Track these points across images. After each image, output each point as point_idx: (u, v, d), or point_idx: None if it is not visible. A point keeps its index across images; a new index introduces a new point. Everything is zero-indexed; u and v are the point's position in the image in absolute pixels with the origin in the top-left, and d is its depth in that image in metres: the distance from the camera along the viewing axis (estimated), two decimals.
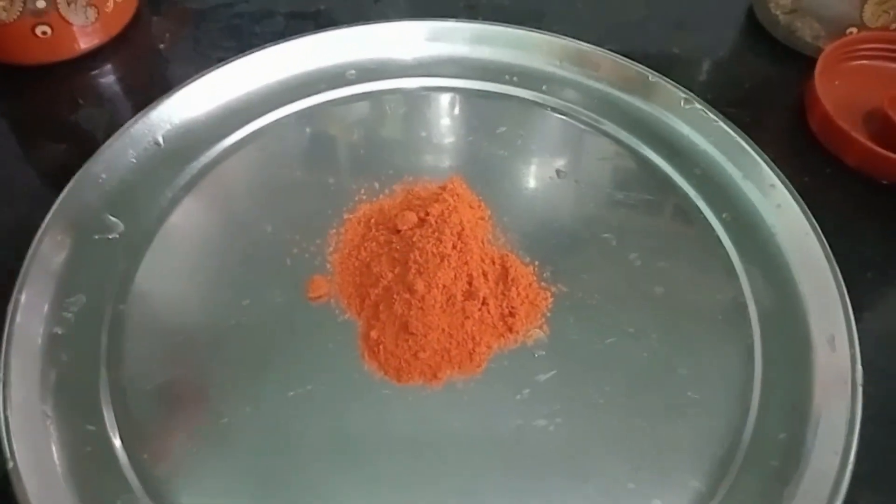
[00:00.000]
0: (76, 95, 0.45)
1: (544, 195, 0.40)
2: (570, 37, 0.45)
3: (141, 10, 0.49)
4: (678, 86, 0.42)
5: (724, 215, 0.39)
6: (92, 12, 0.45)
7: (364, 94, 0.44)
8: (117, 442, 0.31)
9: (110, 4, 0.46)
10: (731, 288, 0.36)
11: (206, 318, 0.35)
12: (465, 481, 0.30)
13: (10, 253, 0.35)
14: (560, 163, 0.41)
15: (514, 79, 0.45)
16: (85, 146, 0.41)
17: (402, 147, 0.42)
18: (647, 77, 0.43)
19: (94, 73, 0.46)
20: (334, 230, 0.38)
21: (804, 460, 0.31)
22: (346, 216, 0.39)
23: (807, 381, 0.33)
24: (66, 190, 0.37)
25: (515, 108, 0.43)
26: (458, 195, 0.37)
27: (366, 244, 0.37)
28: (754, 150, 0.40)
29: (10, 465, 0.28)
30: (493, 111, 0.43)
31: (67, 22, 0.44)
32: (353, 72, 0.44)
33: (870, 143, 0.41)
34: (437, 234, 0.35)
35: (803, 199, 0.38)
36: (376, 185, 0.40)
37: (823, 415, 0.32)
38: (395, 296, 0.34)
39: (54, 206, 0.36)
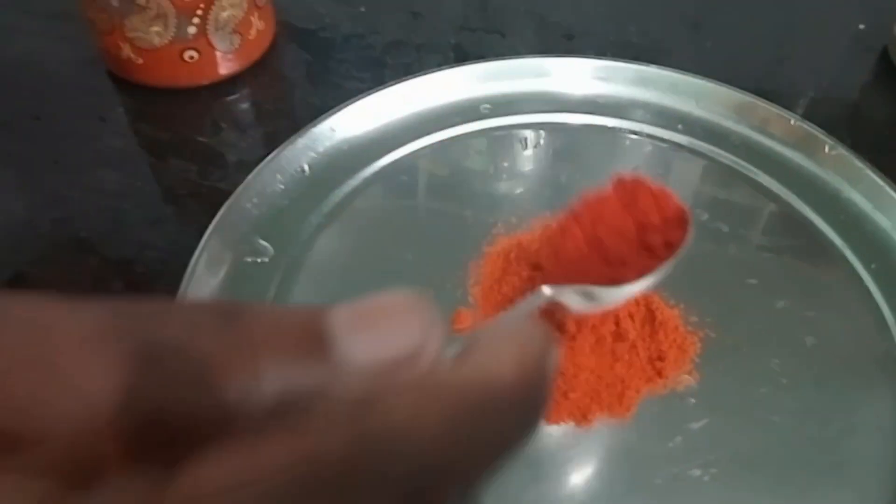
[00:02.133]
0: (216, 119, 0.46)
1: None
2: (696, 73, 0.45)
3: (277, 39, 0.51)
4: (822, 130, 0.42)
5: (872, 265, 0.38)
6: (237, 39, 0.46)
7: (498, 127, 0.44)
8: None
9: (253, 32, 0.47)
10: (884, 340, 0.36)
11: None
12: None
13: (163, 275, 0.36)
14: (701, 204, 0.41)
15: (649, 117, 0.45)
16: (224, 169, 0.43)
17: (538, 182, 0.42)
18: (790, 121, 0.42)
19: (232, 98, 0.48)
20: (474, 263, 0.38)
21: None
22: (485, 249, 0.39)
23: None
24: (220, 213, 0.38)
25: (654, 150, 0.43)
26: None
27: (507, 278, 0.37)
28: None
29: None
30: (632, 152, 0.43)
31: (213, 47, 0.46)
32: (487, 106, 0.45)
33: None
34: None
35: None
36: (513, 219, 0.40)
37: None
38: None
39: (210, 228, 0.37)
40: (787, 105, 0.44)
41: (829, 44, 0.53)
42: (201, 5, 0.43)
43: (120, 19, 0.43)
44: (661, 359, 0.34)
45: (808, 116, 0.43)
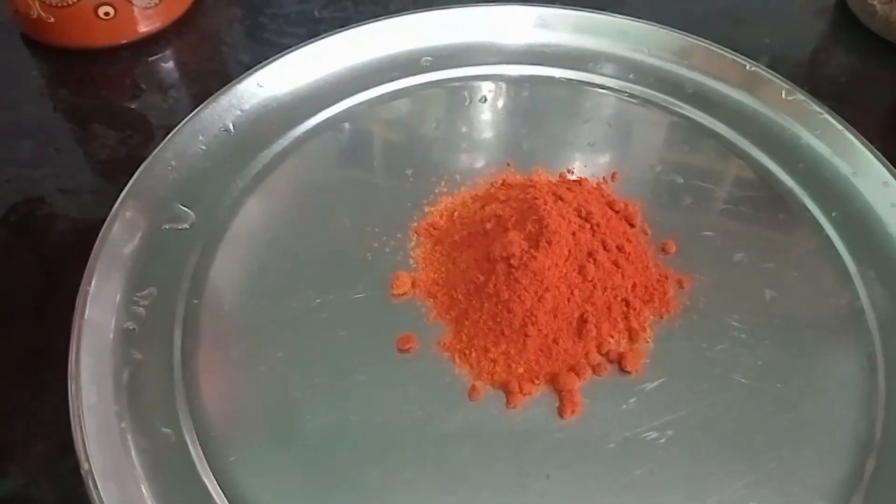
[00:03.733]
0: (138, 81, 0.43)
1: (639, 191, 0.37)
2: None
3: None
4: (780, 76, 0.40)
5: (833, 214, 0.36)
6: None
7: (440, 81, 0.42)
8: (195, 446, 0.28)
9: None
10: (847, 292, 0.34)
11: (285, 314, 0.32)
12: (569, 496, 0.28)
13: (75, 245, 0.33)
14: (654, 155, 0.38)
15: (600, 67, 0.42)
16: (147, 133, 0.40)
17: (482, 138, 0.40)
18: (745, 66, 0.40)
19: (154, 58, 0.45)
20: (415, 223, 0.36)
21: None
22: (426, 209, 0.36)
23: None
24: (134, 177, 0.35)
25: (602, 99, 0.41)
26: (549, 187, 0.34)
27: (450, 239, 0.35)
28: (864, 144, 0.37)
29: (86, 466, 0.26)
30: (577, 101, 0.41)
31: (131, 2, 0.42)
32: (428, 58, 0.42)
33: None
34: (549, 234, 0.32)
35: None
36: (457, 177, 0.38)
37: None
38: (486, 299, 0.31)
39: (123, 194, 0.34)
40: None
41: None
42: None
43: None
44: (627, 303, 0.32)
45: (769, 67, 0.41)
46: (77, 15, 0.42)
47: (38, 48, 0.45)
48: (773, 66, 0.41)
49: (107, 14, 0.42)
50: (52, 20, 0.42)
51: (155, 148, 0.36)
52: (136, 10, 0.43)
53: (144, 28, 0.44)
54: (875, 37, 0.46)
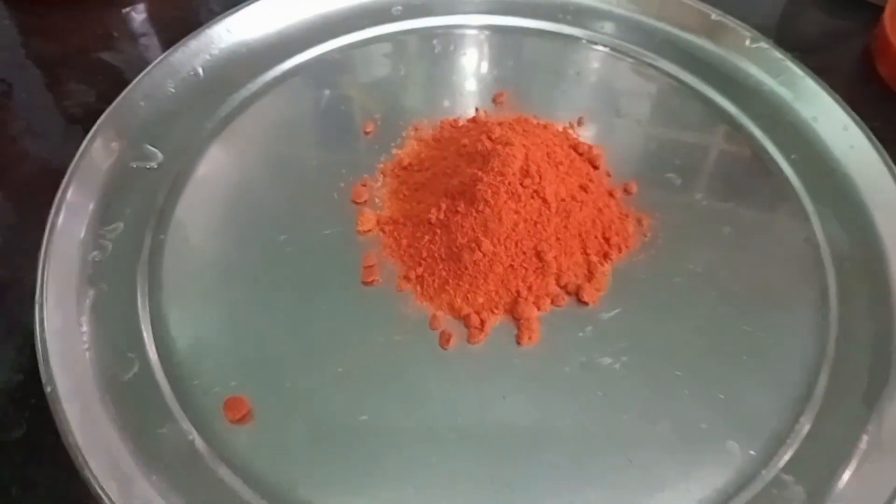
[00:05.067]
0: (110, 30, 0.43)
1: (604, 135, 0.38)
2: None
3: None
4: (744, 25, 0.40)
5: (792, 156, 0.37)
6: None
7: (410, 30, 0.42)
8: (158, 369, 0.29)
9: None
10: (803, 229, 0.35)
11: (249, 250, 0.33)
12: (531, 417, 0.29)
13: (46, 179, 0.34)
14: (620, 102, 0.39)
15: (569, 17, 0.43)
16: (118, 80, 0.40)
17: (450, 84, 0.40)
18: (710, 16, 0.41)
19: (127, 9, 0.45)
20: (382, 164, 0.36)
21: (886, 402, 0.29)
22: (394, 151, 0.37)
23: (888, 322, 0.31)
24: (103, 116, 0.35)
25: (571, 47, 0.41)
26: (509, 126, 0.35)
27: (413, 179, 0.35)
28: (826, 90, 0.38)
29: (49, 389, 0.27)
30: (546, 49, 0.41)
31: None
32: (399, 7, 0.43)
33: None
34: (500, 171, 0.32)
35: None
36: (425, 121, 0.38)
37: None
38: (441, 231, 0.32)
39: (91, 131, 0.34)
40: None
41: None
42: None
43: None
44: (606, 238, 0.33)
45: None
46: None
47: None
48: (743, 18, 0.42)
49: None
50: None
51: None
52: None
53: None
54: None
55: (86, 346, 0.29)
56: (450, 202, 0.32)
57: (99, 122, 0.35)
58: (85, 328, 0.30)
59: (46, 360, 0.28)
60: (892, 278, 0.32)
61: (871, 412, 0.29)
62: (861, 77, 0.43)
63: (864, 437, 0.28)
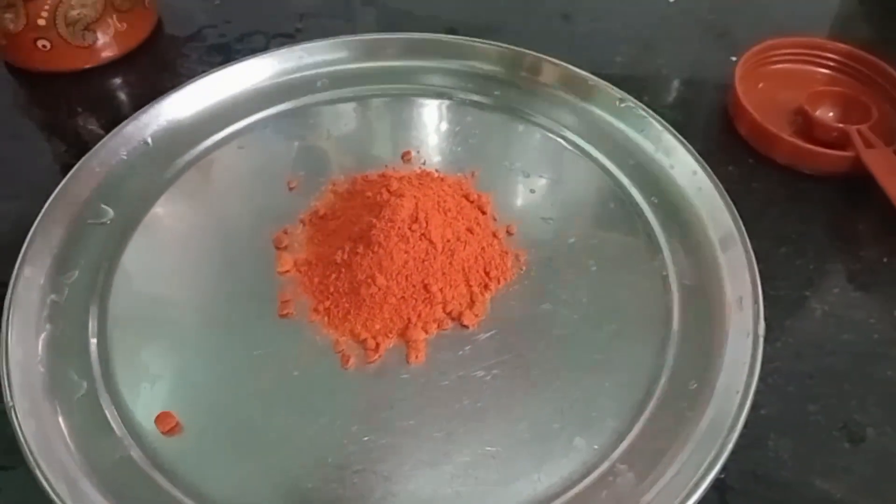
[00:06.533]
0: (74, 103, 0.50)
1: (493, 185, 0.44)
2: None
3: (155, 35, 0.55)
4: (614, 87, 0.47)
5: (652, 199, 0.43)
6: (91, 36, 0.50)
7: (332, 100, 0.49)
8: (102, 392, 0.35)
9: (111, 31, 0.51)
10: (656, 260, 0.41)
11: (184, 290, 0.39)
12: (413, 421, 0.34)
13: (15, 236, 0.40)
14: (509, 156, 0.46)
15: (469, 85, 0.49)
16: (81, 147, 0.46)
17: (364, 145, 0.47)
18: (587, 81, 0.48)
19: (92, 83, 0.51)
20: (302, 215, 0.42)
21: (710, 402, 0.35)
22: (312, 203, 0.43)
23: (717, 337, 0.37)
24: (64, 181, 0.42)
25: (467, 111, 0.48)
26: (408, 180, 0.42)
27: (326, 227, 0.42)
28: (680, 141, 0.44)
29: (10, 403, 0.33)
30: (447, 113, 0.48)
31: (65, 40, 0.49)
32: (325, 80, 0.49)
33: (797, 140, 0.45)
34: (390, 218, 0.38)
35: (728, 187, 0.42)
36: (342, 177, 0.44)
37: (729, 363, 0.36)
38: (343, 270, 0.38)
39: (53, 194, 0.41)
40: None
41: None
42: (48, 2, 0.47)
43: None
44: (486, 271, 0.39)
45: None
46: (19, 43, 0.49)
47: (8, 70, 0.52)
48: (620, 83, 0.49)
49: (44, 46, 0.49)
50: (5, 42, 0.50)
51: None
52: (72, 46, 0.50)
53: (82, 63, 0.51)
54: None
55: (42, 371, 0.35)
56: (352, 245, 0.39)
57: (59, 186, 0.41)
58: (42, 357, 0.36)
59: (9, 384, 0.34)
60: (726, 301, 0.38)
61: (694, 412, 0.34)
62: (721, 128, 0.49)
63: (686, 433, 0.34)
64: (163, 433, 0.34)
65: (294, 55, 0.49)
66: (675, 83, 0.53)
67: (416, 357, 0.36)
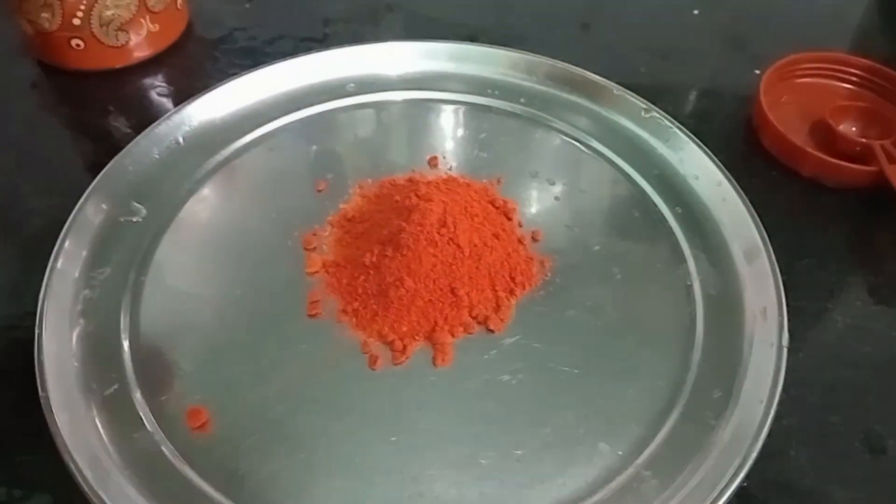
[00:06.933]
0: (105, 102, 0.51)
1: (519, 192, 0.45)
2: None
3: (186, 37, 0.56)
4: (639, 97, 0.48)
5: (676, 209, 0.44)
6: (123, 36, 0.51)
7: (361, 104, 0.50)
8: (133, 386, 0.36)
9: (144, 31, 0.52)
10: (680, 269, 0.41)
11: (215, 288, 0.40)
12: (440, 423, 0.35)
13: (50, 232, 0.40)
14: (535, 164, 0.46)
15: (496, 92, 0.50)
16: (112, 146, 0.47)
17: (392, 150, 0.48)
18: (613, 90, 0.48)
19: (126, 83, 0.52)
20: (331, 217, 0.43)
21: (734, 411, 0.35)
22: (341, 206, 0.44)
23: (740, 346, 0.37)
24: (97, 178, 0.42)
25: (496, 117, 0.49)
26: (435, 185, 0.42)
27: (355, 229, 0.42)
28: (705, 152, 0.45)
29: (45, 395, 0.33)
30: (476, 120, 0.49)
31: (98, 40, 0.50)
32: (352, 85, 0.50)
33: (822, 154, 0.46)
34: (419, 222, 0.39)
35: (752, 198, 0.42)
36: (369, 181, 0.45)
37: (753, 373, 0.36)
38: (372, 272, 0.39)
39: (87, 191, 0.41)
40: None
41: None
42: (84, 1, 0.48)
43: (18, 2, 0.48)
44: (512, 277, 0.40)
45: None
46: (53, 42, 0.50)
47: (42, 69, 0.53)
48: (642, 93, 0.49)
49: (78, 45, 0.50)
50: (39, 41, 0.51)
51: None
52: (105, 46, 0.51)
53: (116, 62, 0.52)
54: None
55: (76, 366, 0.36)
56: (381, 248, 0.39)
57: (93, 184, 0.42)
58: (75, 351, 0.36)
59: (43, 377, 0.34)
60: (747, 310, 0.39)
61: (718, 420, 0.35)
62: (746, 140, 0.50)
63: (710, 441, 0.34)
64: (193, 429, 0.34)
65: (323, 60, 0.50)
66: (697, 94, 0.54)
67: (443, 360, 0.37)
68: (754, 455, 0.33)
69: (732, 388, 0.36)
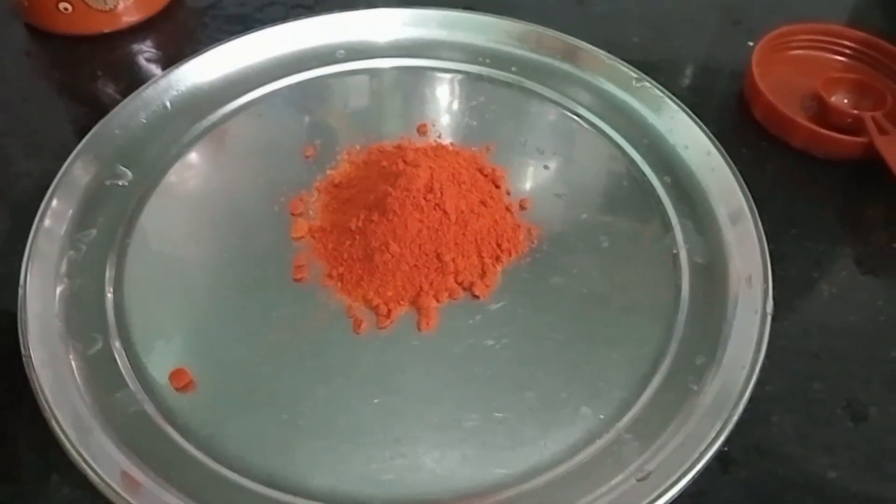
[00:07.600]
0: (94, 67, 0.50)
1: (508, 160, 0.44)
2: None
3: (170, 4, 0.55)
4: (631, 66, 0.47)
5: (665, 178, 0.44)
6: (112, 0, 0.50)
7: (352, 70, 0.49)
8: (117, 347, 0.35)
9: None
10: (667, 238, 0.41)
11: (201, 252, 0.40)
12: (423, 386, 0.35)
13: (36, 193, 0.40)
14: (524, 132, 0.46)
15: (487, 60, 0.50)
16: (100, 110, 0.47)
17: (381, 117, 0.47)
18: (604, 59, 0.48)
19: (115, 46, 0.52)
20: (318, 183, 0.43)
21: (716, 376, 0.35)
22: (328, 172, 0.44)
23: (724, 314, 0.37)
24: (83, 141, 0.42)
25: (486, 86, 0.49)
26: (423, 152, 0.42)
27: (341, 195, 0.42)
28: (695, 121, 0.45)
29: (27, 353, 0.33)
30: (465, 88, 0.49)
31: (86, 4, 0.50)
32: (342, 51, 0.50)
33: (813, 125, 0.46)
34: (406, 188, 0.39)
35: (742, 169, 0.42)
36: (358, 147, 0.45)
37: (737, 339, 0.36)
38: (357, 237, 0.39)
39: (73, 153, 0.41)
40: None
41: None
42: None
43: None
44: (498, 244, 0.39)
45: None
46: (41, 5, 0.50)
47: (31, 33, 0.52)
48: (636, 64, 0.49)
49: (66, 9, 0.50)
50: (27, 4, 0.50)
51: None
52: (92, 10, 0.50)
53: (104, 27, 0.51)
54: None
55: (59, 324, 0.36)
56: (367, 213, 0.39)
57: (79, 146, 0.42)
58: (58, 311, 0.36)
59: (25, 336, 0.34)
60: (732, 278, 0.39)
61: (700, 385, 0.35)
62: (737, 112, 0.50)
63: (691, 405, 0.34)
64: (176, 389, 0.34)
65: (313, 26, 0.50)
66: (691, 66, 0.54)
67: (427, 324, 0.37)
68: (735, 419, 0.33)
69: (715, 355, 0.36)
